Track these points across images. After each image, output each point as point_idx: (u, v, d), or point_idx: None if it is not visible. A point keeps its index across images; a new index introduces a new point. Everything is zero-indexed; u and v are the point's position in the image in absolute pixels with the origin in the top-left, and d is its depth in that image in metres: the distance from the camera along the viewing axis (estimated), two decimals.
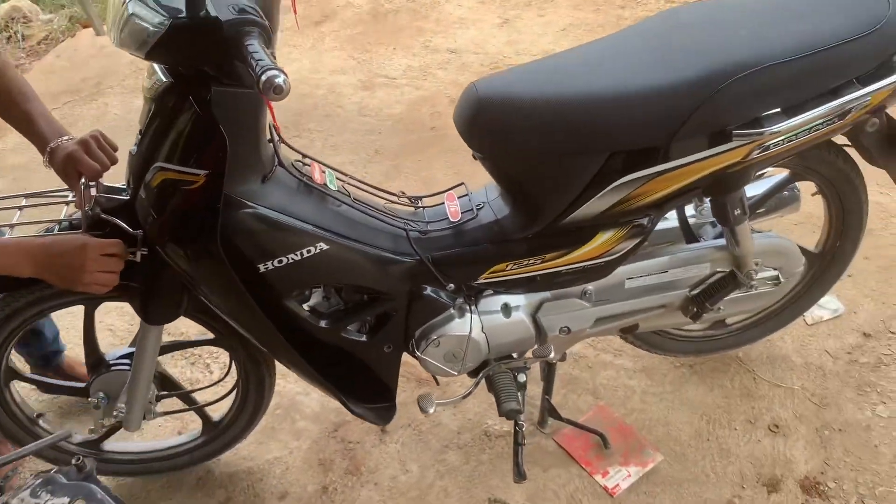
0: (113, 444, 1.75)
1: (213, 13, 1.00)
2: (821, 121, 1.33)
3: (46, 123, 1.37)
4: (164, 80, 1.16)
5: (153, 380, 1.57)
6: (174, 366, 2.07)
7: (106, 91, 3.43)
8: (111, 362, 1.57)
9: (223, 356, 2.06)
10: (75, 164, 1.31)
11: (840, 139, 1.54)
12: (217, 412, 1.75)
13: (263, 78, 0.92)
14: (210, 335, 1.59)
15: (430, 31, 3.57)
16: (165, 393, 1.65)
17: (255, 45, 0.97)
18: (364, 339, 1.50)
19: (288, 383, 1.98)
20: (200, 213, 1.21)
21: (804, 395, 1.85)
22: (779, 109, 1.30)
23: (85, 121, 3.21)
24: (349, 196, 1.42)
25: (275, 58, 1.03)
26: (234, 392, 1.68)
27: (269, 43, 1.04)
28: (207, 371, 2.07)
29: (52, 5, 4.16)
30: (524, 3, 3.68)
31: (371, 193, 1.50)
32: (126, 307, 1.50)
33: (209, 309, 1.43)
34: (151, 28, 1.01)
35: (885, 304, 2.04)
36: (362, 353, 1.52)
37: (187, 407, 1.72)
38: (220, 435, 1.76)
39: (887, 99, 1.39)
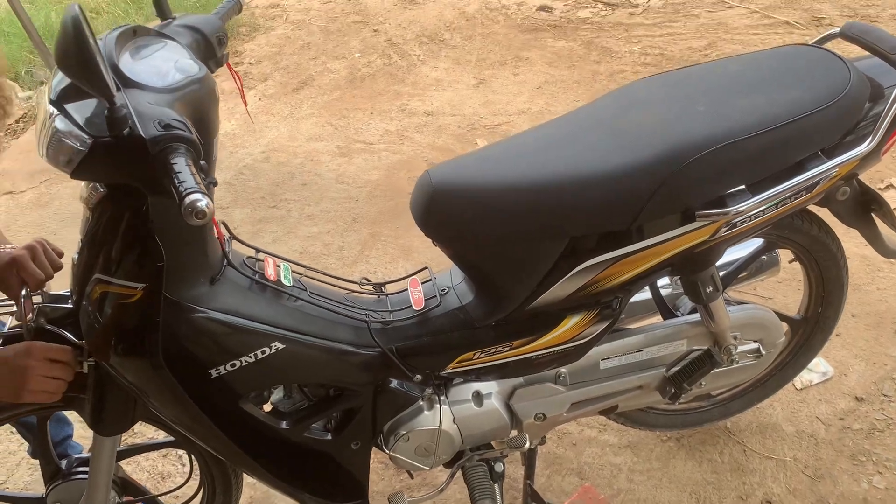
0: None
1: (138, 130, 0.96)
2: (788, 195, 1.29)
3: None
4: (101, 190, 1.12)
5: (113, 486, 1.50)
6: (144, 458, 1.99)
7: None
8: (68, 471, 1.51)
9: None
10: (19, 270, 1.27)
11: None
12: None
13: (185, 202, 0.87)
14: (170, 437, 1.52)
15: (407, 95, 3.57)
16: (128, 499, 1.58)
17: (180, 163, 0.93)
18: (329, 437, 1.44)
19: None
20: (140, 326, 1.16)
21: (797, 466, 1.78)
22: (743, 186, 1.26)
23: (62, 199, 3.18)
24: (305, 290, 1.37)
25: (204, 174, 0.98)
26: (200, 494, 1.60)
27: (201, 155, 1.00)
28: (180, 463, 1.99)
29: (31, 82, 4.17)
30: (499, 62, 3.69)
31: (330, 284, 1.44)
32: None
33: None
34: (76, 147, 0.97)
35: (876, 364, 1.97)
36: (329, 451, 1.45)
37: None
38: None
39: (856, 168, 1.35)
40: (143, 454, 1.97)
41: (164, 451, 2.01)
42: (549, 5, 4.15)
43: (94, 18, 4.57)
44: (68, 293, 1.28)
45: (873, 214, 1.51)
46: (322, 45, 4.12)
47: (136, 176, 1.02)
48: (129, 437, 2.01)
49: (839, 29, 1.41)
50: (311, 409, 1.42)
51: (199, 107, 1.10)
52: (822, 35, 1.44)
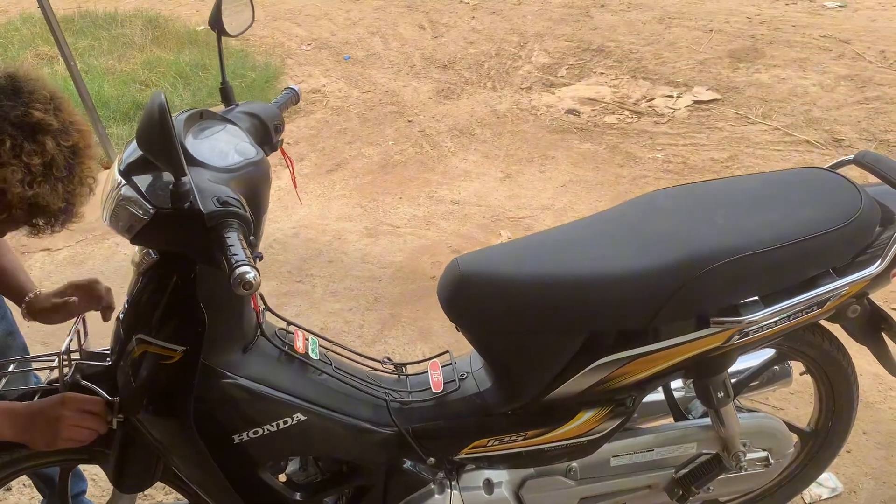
0: None
1: (198, 205, 1.05)
2: (799, 309, 1.35)
3: (24, 275, 1.42)
4: (153, 256, 1.20)
5: None
6: None
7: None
8: None
9: None
10: (90, 291, 1.37)
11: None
12: None
13: (235, 273, 0.95)
14: (185, 501, 1.55)
15: (436, 183, 3.70)
16: None
17: (233, 237, 1.01)
18: None
19: None
20: (175, 387, 1.22)
21: None
22: (757, 298, 1.32)
23: (95, 260, 3.29)
24: (331, 364, 1.43)
25: (252, 248, 1.06)
26: None
27: (251, 231, 1.08)
28: None
29: None
30: (527, 159, 3.83)
31: (354, 361, 1.50)
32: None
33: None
34: (138, 215, 1.06)
35: (886, 483, 1.97)
36: None
37: None
38: None
39: (866, 287, 1.41)
40: None
41: None
42: (578, 109, 4.32)
43: (141, 91, 4.82)
44: (107, 350, 1.35)
45: (883, 334, 1.56)
46: (358, 132, 4.30)
47: (190, 245, 1.11)
48: (140, 502, 2.03)
49: (853, 156, 1.49)
50: (326, 483, 1.46)
51: (253, 186, 1.20)
52: (837, 161, 1.53)
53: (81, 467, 1.87)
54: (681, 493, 1.54)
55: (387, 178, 3.80)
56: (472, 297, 1.35)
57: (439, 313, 2.81)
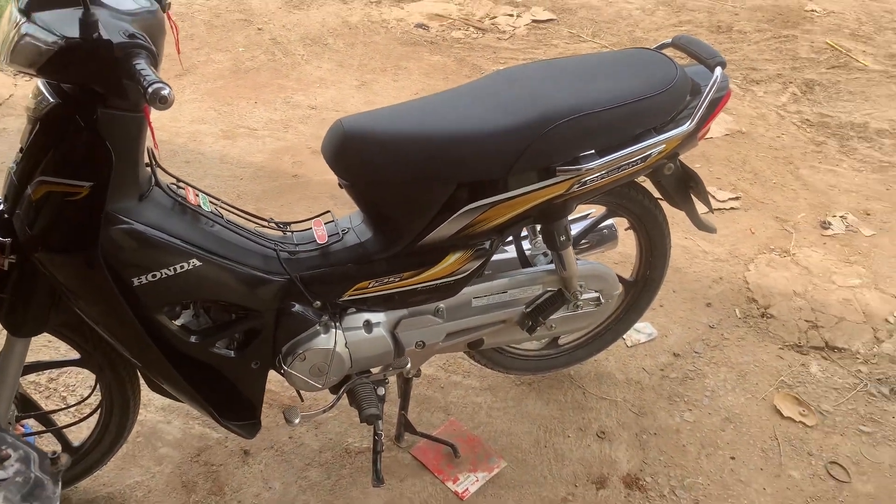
0: None
1: (106, 36, 1.12)
2: (627, 161, 1.63)
3: None
4: (52, 100, 1.25)
5: (13, 400, 1.57)
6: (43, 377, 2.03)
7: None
8: None
9: (80, 389, 2.05)
10: None
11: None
12: (77, 437, 1.75)
13: (150, 90, 1.05)
14: (76, 355, 1.61)
15: (291, 89, 3.74)
16: (24, 414, 1.65)
17: (142, 63, 1.10)
18: (233, 354, 1.59)
19: (148, 413, 2.01)
20: (82, 223, 1.29)
21: (626, 406, 2.13)
22: (593, 151, 1.58)
23: None
24: (222, 217, 1.54)
25: None
26: (98, 414, 1.70)
27: (158, 64, 1.17)
28: (63, 404, 2.04)
29: None
30: (380, 69, 3.96)
31: (242, 217, 1.62)
32: None
33: (75, 325, 1.49)
34: (44, 46, 1.12)
35: (690, 328, 2.39)
36: (230, 369, 1.61)
37: (46, 429, 1.71)
38: (80, 461, 1.75)
39: (679, 146, 1.72)
40: (35, 383, 2.01)
41: (47, 391, 2.05)
42: (426, 24, 4.48)
43: None
44: None
45: (691, 193, 1.90)
46: (205, 38, 4.21)
47: (98, 76, 1.17)
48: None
49: (671, 39, 1.78)
50: (218, 326, 1.58)
51: (150, 34, 1.27)
52: (660, 43, 1.81)
53: None
54: (530, 324, 1.81)
55: (240, 84, 3.78)
56: (355, 151, 1.51)
57: (303, 208, 2.93)
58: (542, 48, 4.27)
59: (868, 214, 2.94)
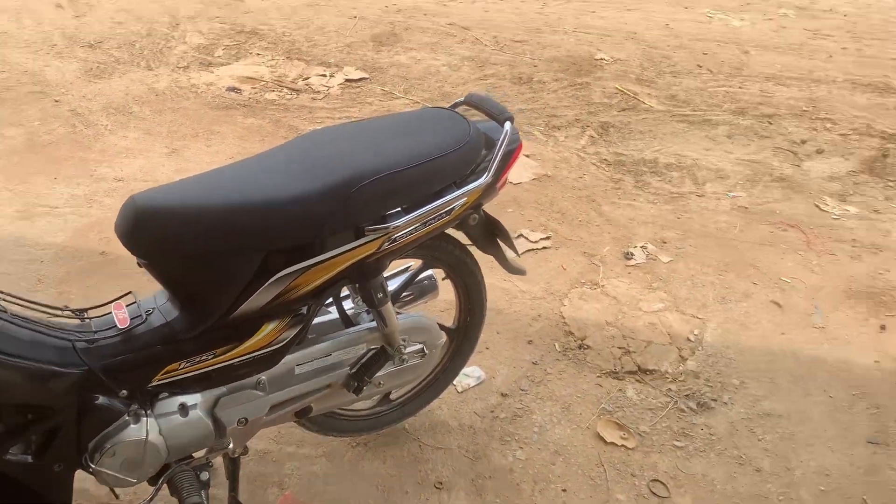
0: None
1: None
2: (433, 216, 1.68)
3: None
4: None
5: None
6: None
7: None
8: None
9: None
10: None
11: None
12: None
13: None
14: None
15: (95, 161, 3.55)
16: None
17: None
18: (30, 459, 1.45)
19: None
20: None
21: (460, 452, 2.16)
22: (399, 209, 1.62)
23: None
24: (6, 312, 1.42)
25: None
26: None
27: None
28: None
29: None
30: (191, 134, 3.85)
31: (31, 308, 1.50)
32: None
33: None
34: None
35: (516, 367, 2.48)
36: (30, 476, 1.47)
37: None
38: None
39: (480, 197, 1.80)
40: None
41: None
42: (238, 87, 4.43)
43: None
44: None
45: (498, 239, 1.99)
46: None
47: None
48: None
49: (464, 98, 1.88)
50: (11, 431, 1.44)
51: None
52: (453, 102, 1.91)
53: None
54: (356, 384, 1.80)
55: (36, 159, 3.53)
56: (151, 227, 1.44)
57: (113, 287, 2.77)
58: (356, 106, 4.35)
59: (665, 242, 3.22)
